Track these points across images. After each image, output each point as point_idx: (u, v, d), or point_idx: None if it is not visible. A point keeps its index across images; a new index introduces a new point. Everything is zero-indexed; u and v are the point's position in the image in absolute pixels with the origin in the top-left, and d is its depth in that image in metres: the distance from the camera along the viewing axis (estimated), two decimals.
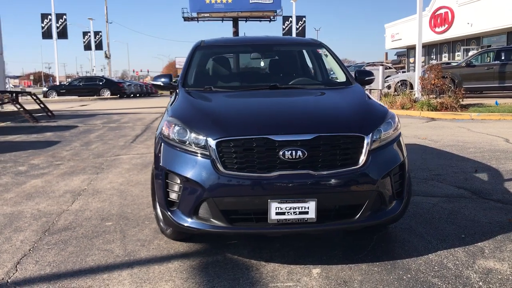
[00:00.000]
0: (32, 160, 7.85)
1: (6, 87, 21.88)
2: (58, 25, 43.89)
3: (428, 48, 38.72)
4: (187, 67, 4.59)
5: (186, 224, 3.23)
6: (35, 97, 16.32)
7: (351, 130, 3.25)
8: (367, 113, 3.53)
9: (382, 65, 21.16)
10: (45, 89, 37.90)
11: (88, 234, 4.08)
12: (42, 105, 16.03)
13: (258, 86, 4.38)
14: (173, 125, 3.40)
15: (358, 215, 3.23)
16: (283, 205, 3.11)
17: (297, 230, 3.20)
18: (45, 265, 3.43)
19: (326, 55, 4.88)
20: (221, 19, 33.93)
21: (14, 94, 15.28)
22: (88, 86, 35.17)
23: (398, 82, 22.16)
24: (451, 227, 4.05)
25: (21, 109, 14.44)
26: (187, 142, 3.27)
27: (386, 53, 71.19)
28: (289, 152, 3.10)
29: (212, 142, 3.17)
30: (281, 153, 3.10)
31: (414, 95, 16.13)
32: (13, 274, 3.29)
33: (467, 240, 3.76)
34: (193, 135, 3.26)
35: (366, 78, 4.67)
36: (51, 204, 5.08)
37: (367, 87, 17.80)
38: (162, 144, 3.44)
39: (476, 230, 3.95)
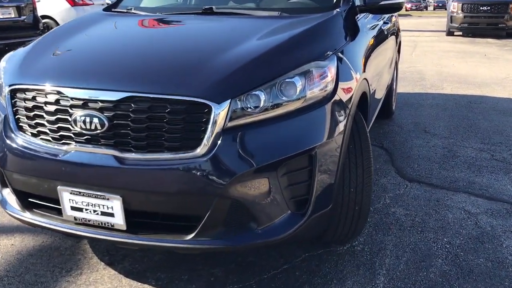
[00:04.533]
0: None
1: None
2: None
3: None
4: None
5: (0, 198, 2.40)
6: None
7: (188, 93, 1.89)
8: (249, 63, 2.01)
9: None
10: None
11: None
12: None
13: (193, 9, 3.05)
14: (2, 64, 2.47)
15: (195, 232, 1.96)
16: (78, 198, 2.03)
17: (102, 238, 2.08)
18: None
19: None
20: None
21: None
22: None
23: None
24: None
25: None
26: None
27: None
28: (82, 118, 1.95)
29: (6, 89, 2.19)
30: (73, 118, 1.97)
31: None
32: None
33: None
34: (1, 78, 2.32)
35: (381, 3, 2.93)
36: None
37: None
38: None
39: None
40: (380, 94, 3.66)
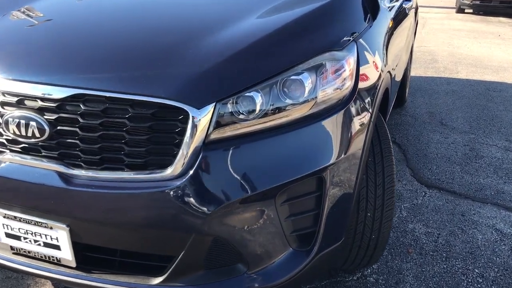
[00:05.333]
0: None
1: None
2: None
3: None
4: None
5: None
6: None
7: (157, 92, 1.38)
8: (243, 53, 1.50)
9: None
10: None
11: None
12: None
13: None
14: None
15: (164, 276, 1.49)
16: (14, 224, 1.55)
17: (46, 275, 1.61)
18: None
19: None
20: None
21: None
22: None
23: None
24: None
25: None
26: None
27: None
28: (16, 121, 1.45)
29: None
30: (4, 119, 1.48)
31: None
32: None
33: None
34: None
35: None
36: None
37: None
38: None
39: None
40: (397, 82, 3.16)
